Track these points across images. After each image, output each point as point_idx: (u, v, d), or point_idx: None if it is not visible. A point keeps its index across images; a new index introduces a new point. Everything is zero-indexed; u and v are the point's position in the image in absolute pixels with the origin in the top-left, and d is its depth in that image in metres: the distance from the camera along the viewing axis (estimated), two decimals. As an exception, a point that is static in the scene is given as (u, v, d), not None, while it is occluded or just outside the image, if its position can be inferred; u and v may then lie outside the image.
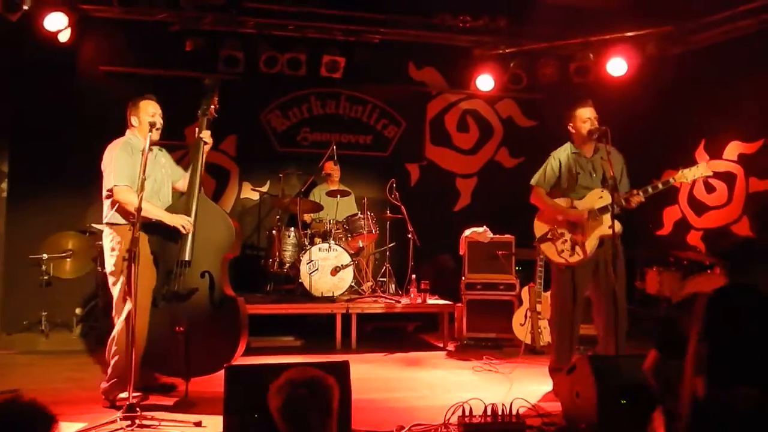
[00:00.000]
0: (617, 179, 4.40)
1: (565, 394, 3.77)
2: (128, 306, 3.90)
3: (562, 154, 4.60)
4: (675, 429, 2.57)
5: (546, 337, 6.01)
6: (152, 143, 4.05)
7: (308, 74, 7.63)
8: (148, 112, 4.19)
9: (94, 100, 7.00)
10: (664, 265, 6.79)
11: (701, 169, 4.42)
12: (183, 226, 4.05)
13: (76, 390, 4.41)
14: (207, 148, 4.38)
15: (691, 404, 2.47)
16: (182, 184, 4.40)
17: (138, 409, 3.51)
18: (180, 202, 4.22)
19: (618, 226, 4.29)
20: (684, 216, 7.53)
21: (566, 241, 4.50)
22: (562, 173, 4.56)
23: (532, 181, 4.68)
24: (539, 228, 4.66)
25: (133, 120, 4.23)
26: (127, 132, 4.25)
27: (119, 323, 3.98)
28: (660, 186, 4.39)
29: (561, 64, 7.71)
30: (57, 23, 6.38)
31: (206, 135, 4.34)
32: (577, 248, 4.44)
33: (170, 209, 4.18)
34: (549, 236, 4.56)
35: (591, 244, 4.42)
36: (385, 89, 8.29)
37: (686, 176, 4.40)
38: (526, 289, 6.19)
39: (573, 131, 4.60)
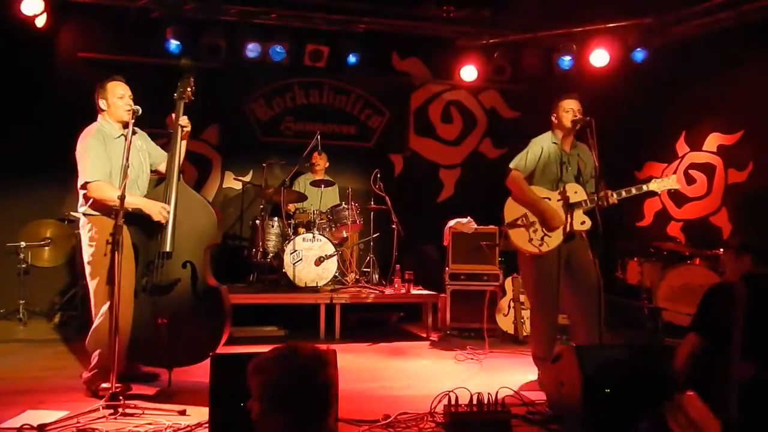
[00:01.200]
0: (588, 177, 4.48)
1: (550, 383, 3.79)
2: (107, 295, 3.83)
3: (545, 142, 4.57)
4: (720, 412, 2.56)
5: (528, 328, 6.04)
6: (127, 127, 3.93)
7: (291, 63, 7.58)
8: (116, 94, 4.03)
9: (73, 87, 6.85)
10: (644, 255, 6.85)
11: (671, 182, 4.54)
12: (159, 213, 3.93)
13: (57, 378, 4.35)
14: (186, 132, 4.23)
15: (739, 387, 2.47)
16: (164, 167, 4.26)
17: (121, 398, 3.47)
18: (158, 191, 4.10)
19: (588, 223, 4.38)
20: (664, 207, 7.60)
21: (536, 230, 4.46)
22: (540, 161, 4.53)
23: (512, 164, 4.60)
24: (510, 212, 4.56)
25: (102, 103, 4.05)
26: (99, 117, 4.07)
27: (100, 314, 3.89)
28: (634, 191, 4.47)
29: (544, 55, 7.74)
30: (33, 8, 6.25)
31: (183, 120, 4.19)
32: (546, 239, 4.43)
33: (148, 198, 4.06)
34: (520, 222, 4.49)
35: (559, 236, 4.43)
36: (368, 79, 8.25)
37: (656, 187, 4.51)
38: (509, 279, 6.22)
39: (555, 121, 4.58)
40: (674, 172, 4.53)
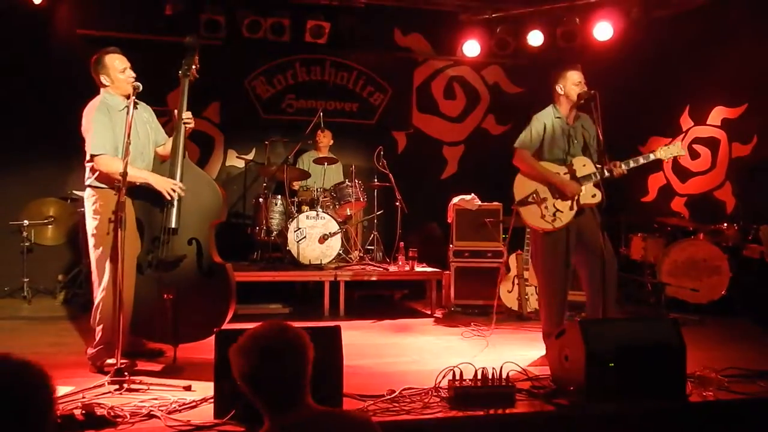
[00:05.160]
0: (593, 147, 4.41)
1: (554, 358, 3.80)
2: (108, 271, 3.85)
3: (547, 117, 4.46)
4: None
5: (533, 304, 6.05)
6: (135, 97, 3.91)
7: (292, 40, 7.51)
8: (118, 68, 3.97)
9: (72, 65, 6.81)
10: (648, 231, 6.84)
11: (677, 148, 4.50)
12: (169, 191, 3.91)
13: (62, 355, 4.36)
14: (189, 127, 4.19)
15: None
16: (163, 150, 4.24)
17: (126, 373, 3.47)
18: (163, 168, 4.08)
19: (599, 196, 4.31)
20: (668, 182, 7.58)
21: (548, 206, 4.37)
22: (546, 137, 4.42)
23: (517, 144, 4.49)
24: (519, 190, 4.46)
25: (104, 79, 3.98)
26: (102, 91, 4.02)
27: (101, 289, 3.90)
28: (642, 160, 4.43)
29: (547, 29, 7.64)
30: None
31: (188, 117, 4.14)
32: (558, 214, 4.35)
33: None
34: (531, 200, 4.41)
35: (571, 212, 4.36)
36: (370, 56, 8.18)
37: (664, 154, 4.47)
38: (513, 256, 6.21)
39: (561, 93, 4.46)
40: (681, 140, 4.51)
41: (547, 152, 4.44)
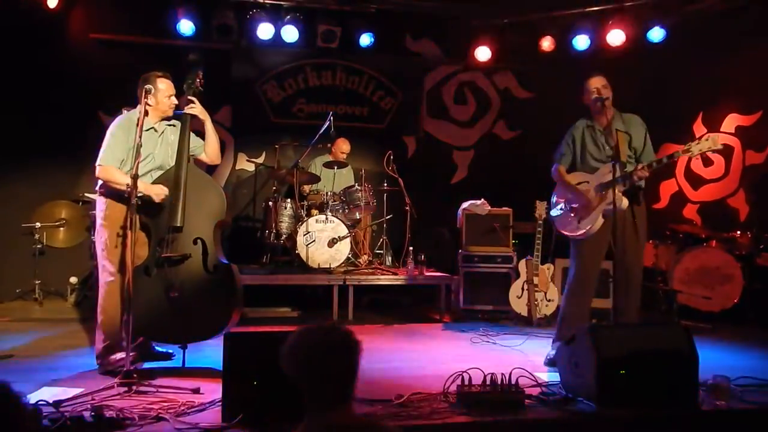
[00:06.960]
0: (640, 148, 4.43)
1: (565, 365, 3.77)
2: (111, 274, 3.95)
3: (577, 128, 4.59)
4: None
5: (543, 310, 6.02)
6: (166, 118, 4.16)
7: (304, 44, 7.54)
8: (166, 93, 4.11)
9: (85, 69, 6.90)
10: (660, 238, 6.78)
11: (710, 142, 4.12)
12: (157, 195, 3.97)
13: (72, 357, 4.39)
14: (205, 121, 4.27)
15: None
16: (204, 156, 4.34)
17: (135, 375, 3.49)
18: (169, 173, 4.15)
19: (625, 202, 4.28)
20: (680, 189, 7.52)
21: (574, 215, 4.53)
22: (576, 148, 4.59)
23: (554, 158, 4.72)
24: (556, 199, 4.71)
25: (150, 99, 4.05)
26: (138, 106, 4.06)
27: (107, 291, 3.99)
28: (665, 160, 4.28)
29: (559, 35, 7.61)
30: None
31: (189, 108, 4.20)
32: (582, 222, 4.45)
33: (161, 178, 4.12)
34: (562, 209, 4.63)
35: (595, 219, 4.39)
36: (381, 60, 8.19)
37: (692, 150, 4.14)
38: (523, 261, 6.17)
39: (587, 103, 4.55)
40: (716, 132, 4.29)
41: (579, 162, 4.61)
